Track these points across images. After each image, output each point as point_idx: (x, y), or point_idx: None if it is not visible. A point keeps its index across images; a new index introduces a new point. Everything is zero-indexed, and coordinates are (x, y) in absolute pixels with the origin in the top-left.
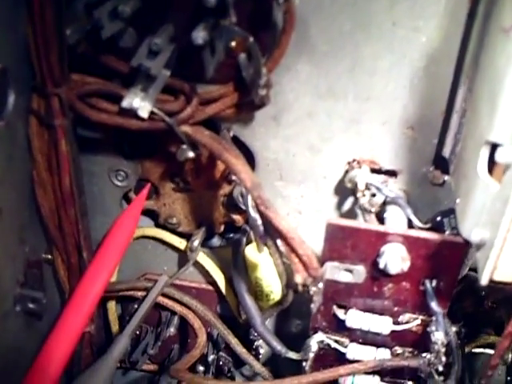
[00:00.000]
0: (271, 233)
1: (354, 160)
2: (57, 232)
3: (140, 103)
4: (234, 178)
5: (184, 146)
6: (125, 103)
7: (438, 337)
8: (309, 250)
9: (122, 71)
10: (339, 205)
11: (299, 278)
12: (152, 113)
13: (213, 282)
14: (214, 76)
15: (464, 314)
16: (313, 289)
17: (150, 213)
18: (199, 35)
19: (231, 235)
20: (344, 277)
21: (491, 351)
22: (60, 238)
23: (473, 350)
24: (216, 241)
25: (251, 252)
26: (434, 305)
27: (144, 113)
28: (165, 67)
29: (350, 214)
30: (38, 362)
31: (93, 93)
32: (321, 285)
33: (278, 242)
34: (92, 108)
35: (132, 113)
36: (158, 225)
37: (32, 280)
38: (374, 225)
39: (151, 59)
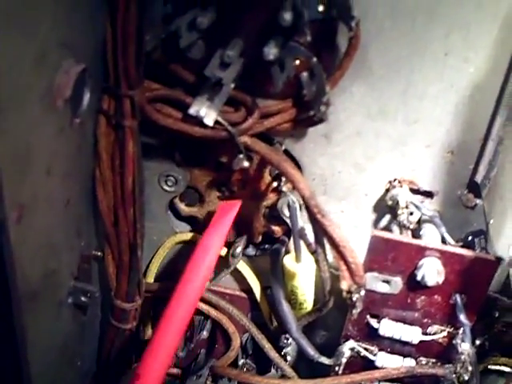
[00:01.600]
0: (320, 241)
1: (395, 179)
2: (112, 229)
3: (206, 111)
4: (284, 189)
5: (241, 156)
6: (192, 110)
7: (465, 348)
8: (357, 258)
9: (186, 80)
10: (376, 222)
11: (345, 284)
12: (216, 122)
13: (246, 290)
14: (274, 92)
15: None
16: (356, 296)
17: (190, 219)
18: (271, 51)
19: (266, 246)
20: (381, 287)
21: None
22: (114, 236)
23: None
24: (251, 250)
25: (289, 262)
26: (462, 317)
27: (209, 121)
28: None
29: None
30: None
31: (160, 98)
32: (363, 292)
33: (328, 249)
34: (159, 113)
35: (197, 120)
36: (196, 231)
37: (83, 274)
38: (414, 239)
39: (223, 70)
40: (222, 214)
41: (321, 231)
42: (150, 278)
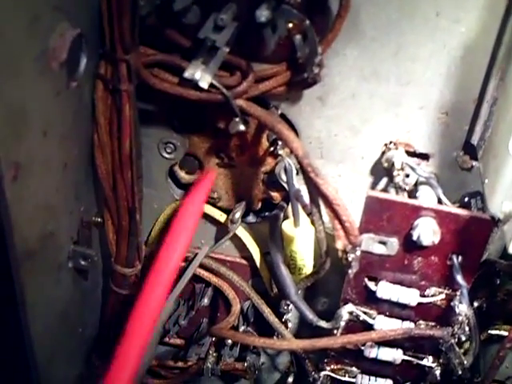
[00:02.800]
0: (315, 201)
1: (390, 142)
2: (111, 193)
3: (201, 75)
4: (280, 152)
5: (237, 119)
6: (187, 74)
7: (462, 309)
8: (351, 216)
9: (182, 46)
10: (373, 185)
11: (340, 244)
12: (211, 85)
13: (247, 257)
14: (267, 55)
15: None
16: (351, 255)
17: (189, 186)
18: (263, 14)
19: (266, 213)
20: (378, 249)
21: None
22: (113, 200)
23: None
24: (251, 218)
25: (288, 227)
26: (459, 278)
27: (204, 84)
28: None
29: None
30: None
31: (156, 63)
32: (358, 252)
33: (322, 209)
34: (155, 77)
35: (192, 84)
36: None
37: (83, 239)
38: (409, 199)
39: (217, 33)
40: (199, 182)
41: (315, 190)
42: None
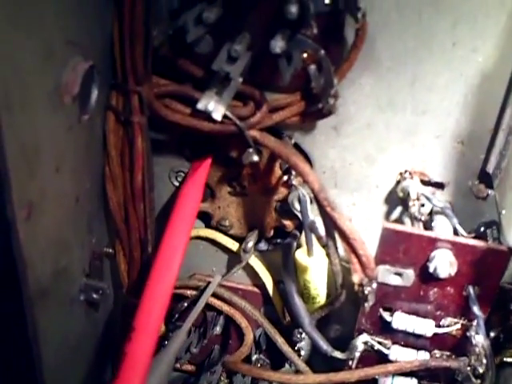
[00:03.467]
0: (331, 234)
1: (406, 171)
2: (123, 225)
3: (214, 106)
4: (294, 182)
5: (250, 150)
6: (200, 105)
7: (479, 340)
8: (368, 250)
9: (195, 75)
10: (388, 213)
11: (356, 277)
12: (224, 116)
13: (259, 285)
14: (282, 85)
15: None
16: (368, 289)
17: (202, 215)
18: (277, 44)
19: (278, 240)
20: (394, 280)
21: None
22: (125, 232)
23: (504, 359)
24: (263, 245)
25: (301, 256)
26: (476, 309)
27: (218, 115)
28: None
29: (397, 223)
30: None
31: (168, 94)
32: (375, 285)
33: (338, 242)
34: (167, 108)
35: (205, 115)
36: (208, 226)
37: (95, 271)
38: (425, 231)
39: (230, 64)
40: (196, 166)
41: (331, 224)
42: None
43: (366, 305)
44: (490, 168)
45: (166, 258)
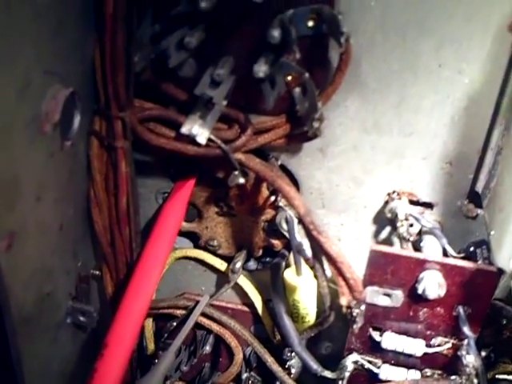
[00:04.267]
0: (318, 256)
1: (394, 191)
2: (109, 249)
3: (199, 130)
4: (281, 204)
5: (236, 172)
6: (184, 129)
7: (470, 360)
8: (355, 274)
9: (179, 99)
10: (376, 233)
11: (344, 300)
12: (209, 140)
13: (248, 304)
14: (266, 108)
15: (484, 343)
16: (356, 311)
17: (189, 234)
18: (261, 69)
19: (267, 259)
20: (383, 301)
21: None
22: (112, 255)
23: (496, 376)
24: (252, 264)
25: (290, 275)
26: (466, 329)
27: (202, 139)
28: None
29: (387, 243)
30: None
31: (152, 118)
32: (363, 307)
33: (325, 265)
34: (151, 132)
35: (190, 139)
36: (196, 246)
37: (82, 294)
38: (414, 252)
39: (213, 89)
40: (179, 184)
41: (318, 247)
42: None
43: (354, 326)
44: (480, 187)
45: (142, 273)
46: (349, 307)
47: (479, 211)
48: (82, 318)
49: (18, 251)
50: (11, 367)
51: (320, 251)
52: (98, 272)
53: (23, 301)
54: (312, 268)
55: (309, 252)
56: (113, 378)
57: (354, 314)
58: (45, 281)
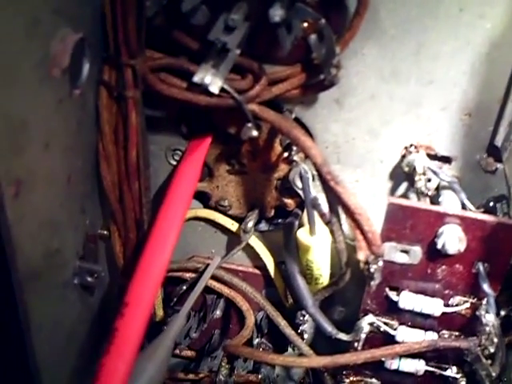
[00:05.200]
0: (335, 210)
1: (411, 145)
2: (117, 205)
3: (211, 79)
4: (295, 158)
5: (249, 125)
6: (196, 78)
7: (489, 319)
8: (374, 226)
9: (191, 48)
10: (393, 190)
11: (362, 255)
12: (222, 90)
13: (260, 266)
14: (281, 56)
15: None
16: (374, 266)
17: (199, 195)
18: (276, 13)
19: (279, 220)
20: (400, 258)
21: None
22: (120, 212)
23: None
24: (264, 225)
25: (303, 235)
26: (486, 287)
27: (215, 89)
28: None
29: None
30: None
31: (163, 67)
32: (381, 263)
33: (343, 219)
34: (163, 82)
35: (202, 88)
36: (207, 207)
37: (89, 254)
38: (433, 206)
39: (228, 34)
40: (194, 145)
41: (335, 199)
42: None
43: (371, 283)
44: (499, 141)
45: (160, 234)
46: (366, 263)
47: (498, 165)
48: (89, 279)
49: (26, 200)
50: (18, 323)
51: (337, 203)
52: (105, 232)
53: (30, 254)
54: (328, 224)
55: (325, 206)
56: (134, 337)
57: (372, 269)
58: (52, 235)
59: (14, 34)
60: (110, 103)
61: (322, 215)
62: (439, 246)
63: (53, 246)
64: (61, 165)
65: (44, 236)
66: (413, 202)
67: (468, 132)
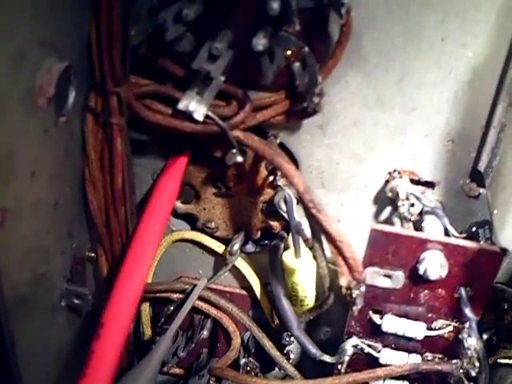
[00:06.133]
0: (317, 236)
1: (395, 170)
2: (104, 230)
3: (196, 106)
4: (280, 183)
5: (234, 151)
6: (181, 105)
7: (471, 343)
8: (355, 253)
9: (176, 75)
10: (377, 214)
11: (344, 280)
12: (206, 116)
13: (246, 287)
14: (265, 83)
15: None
16: (355, 292)
17: (187, 216)
18: (260, 42)
19: (265, 242)
20: (383, 282)
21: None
22: (107, 236)
23: (498, 361)
24: (250, 247)
25: (289, 258)
26: (468, 311)
27: (199, 116)
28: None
29: (387, 224)
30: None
31: (148, 94)
32: (363, 288)
33: (325, 245)
34: (148, 109)
35: (187, 115)
36: (194, 229)
37: (76, 277)
38: (415, 232)
39: (211, 63)
40: (173, 160)
41: (317, 226)
42: (149, 278)
43: (353, 308)
44: (482, 166)
45: (137, 252)
46: (348, 288)
47: (481, 190)
48: (76, 301)
49: (12, 229)
50: (4, 349)
51: (319, 230)
52: (93, 254)
53: (17, 280)
54: (311, 249)
55: (308, 232)
56: (110, 358)
57: (354, 295)
58: (39, 260)
59: (0, 68)
60: (96, 129)
61: (305, 240)
62: (421, 272)
63: (40, 270)
64: (47, 192)
65: (31, 262)
66: (395, 228)
67: (451, 158)
